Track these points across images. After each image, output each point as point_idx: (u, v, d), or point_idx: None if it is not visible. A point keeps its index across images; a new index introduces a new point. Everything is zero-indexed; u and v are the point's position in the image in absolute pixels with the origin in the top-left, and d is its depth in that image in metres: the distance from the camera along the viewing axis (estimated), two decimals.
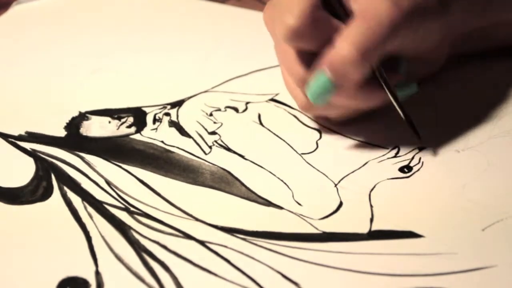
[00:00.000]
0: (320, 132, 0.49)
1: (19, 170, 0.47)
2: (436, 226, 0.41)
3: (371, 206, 0.43)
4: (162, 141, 0.49)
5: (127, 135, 0.50)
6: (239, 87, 0.54)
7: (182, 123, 0.50)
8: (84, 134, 0.50)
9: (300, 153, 0.47)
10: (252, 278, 0.39)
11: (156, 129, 0.50)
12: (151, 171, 0.46)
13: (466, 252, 0.39)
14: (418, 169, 0.45)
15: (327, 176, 0.45)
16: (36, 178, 0.46)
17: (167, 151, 0.48)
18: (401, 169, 0.45)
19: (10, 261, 0.40)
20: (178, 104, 0.52)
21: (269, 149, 0.48)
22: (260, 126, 0.50)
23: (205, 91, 0.54)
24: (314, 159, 0.46)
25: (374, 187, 0.44)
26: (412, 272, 0.38)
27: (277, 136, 0.49)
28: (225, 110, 0.51)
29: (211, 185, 0.45)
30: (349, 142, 0.48)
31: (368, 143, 0.47)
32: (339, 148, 0.47)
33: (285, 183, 0.45)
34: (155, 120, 0.51)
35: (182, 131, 0.50)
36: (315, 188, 0.44)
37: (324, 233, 0.41)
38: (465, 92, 0.50)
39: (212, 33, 0.61)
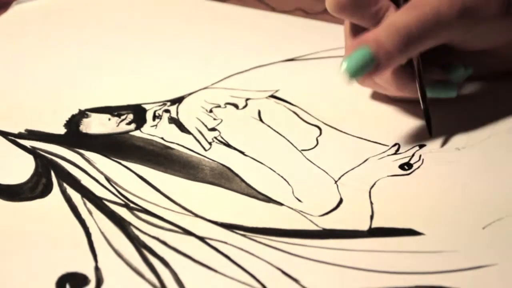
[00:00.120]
0: (320, 128, 0.49)
1: (18, 167, 0.47)
2: (436, 224, 0.41)
3: (371, 203, 0.43)
4: (162, 138, 0.49)
5: (127, 132, 0.50)
6: (239, 84, 0.54)
7: (182, 120, 0.50)
8: (84, 131, 0.50)
9: (300, 149, 0.47)
10: (251, 274, 0.39)
11: (156, 125, 0.50)
12: (151, 167, 0.46)
13: (466, 250, 0.39)
14: (418, 167, 0.45)
15: (327, 173, 0.45)
16: (36, 174, 0.46)
17: (167, 148, 0.48)
18: (401, 167, 0.45)
19: (10, 257, 0.40)
20: (178, 100, 0.52)
21: (269, 146, 0.48)
22: (260, 122, 0.50)
23: (205, 88, 0.54)
24: (314, 156, 0.46)
25: (374, 184, 0.44)
26: (412, 269, 0.38)
27: (277, 132, 0.49)
28: (225, 107, 0.51)
29: (211, 181, 0.45)
30: (349, 139, 0.48)
31: (368, 140, 0.47)
32: (339, 145, 0.47)
33: (285, 180, 0.45)
34: (154, 117, 0.51)
35: (182, 128, 0.50)
36: (315, 184, 0.44)
37: (324, 229, 0.41)
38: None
39: (212, 31, 0.61)
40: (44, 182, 0.45)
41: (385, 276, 0.38)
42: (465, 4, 0.44)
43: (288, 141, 0.48)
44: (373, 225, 0.41)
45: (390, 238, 0.40)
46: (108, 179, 0.45)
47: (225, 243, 0.40)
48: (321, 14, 0.62)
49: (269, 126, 0.49)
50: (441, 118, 0.47)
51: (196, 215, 0.42)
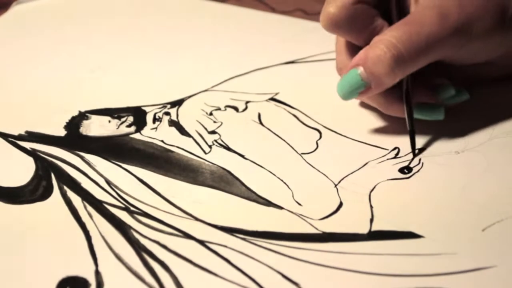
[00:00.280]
0: (320, 132, 0.49)
1: (19, 170, 0.47)
2: (436, 227, 0.41)
3: (371, 206, 0.43)
4: (162, 141, 0.49)
5: (127, 135, 0.50)
6: (239, 86, 0.54)
7: (182, 123, 0.50)
8: (84, 133, 0.50)
9: (300, 153, 0.47)
10: (252, 278, 0.39)
11: (156, 128, 0.50)
12: (151, 170, 0.46)
13: (466, 252, 0.39)
14: (418, 170, 0.45)
15: (327, 176, 0.45)
16: (36, 177, 0.46)
17: (167, 151, 0.48)
18: (401, 170, 0.45)
19: (10, 260, 0.40)
20: (178, 103, 0.52)
21: (269, 149, 0.48)
22: (260, 125, 0.50)
23: (205, 90, 0.54)
24: (314, 159, 0.46)
25: (374, 187, 0.44)
26: (411, 272, 0.38)
27: (277, 135, 0.49)
28: (225, 110, 0.51)
29: (211, 185, 0.45)
30: (349, 142, 0.48)
31: (368, 144, 0.47)
32: (339, 148, 0.47)
33: (285, 183, 0.45)
34: (155, 120, 0.51)
35: (182, 131, 0.50)
36: (315, 188, 0.44)
37: (324, 233, 0.41)
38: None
39: (212, 32, 0.61)
40: (44, 184, 0.45)
41: (385, 279, 0.38)
42: (459, 21, 0.44)
43: (288, 144, 0.48)
44: (373, 229, 0.41)
45: (390, 241, 0.40)
46: (108, 182, 0.45)
47: (225, 246, 0.40)
48: None
49: (269, 129, 0.49)
50: (439, 122, 0.47)
51: (196, 219, 0.42)
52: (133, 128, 0.50)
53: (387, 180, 0.45)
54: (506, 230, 0.40)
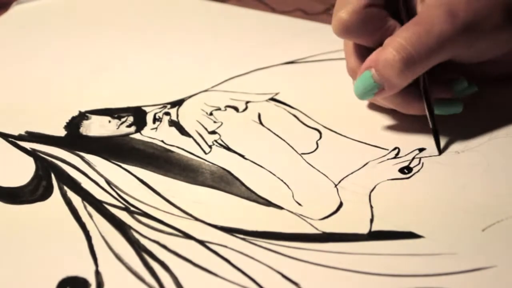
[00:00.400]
0: (320, 132, 0.49)
1: (19, 170, 0.47)
2: (436, 227, 0.41)
3: (371, 206, 0.43)
4: (162, 141, 0.49)
5: (127, 135, 0.50)
6: (239, 86, 0.54)
7: (182, 123, 0.50)
8: (84, 133, 0.50)
9: (300, 153, 0.47)
10: (252, 278, 0.39)
11: (156, 128, 0.50)
12: (151, 170, 0.46)
13: (466, 252, 0.39)
14: (418, 170, 0.45)
15: (327, 177, 0.45)
16: (36, 177, 0.46)
17: (167, 151, 0.48)
18: (401, 170, 0.45)
19: (10, 260, 0.40)
20: (178, 103, 0.52)
21: (269, 149, 0.48)
22: (260, 125, 0.50)
23: (205, 90, 0.54)
24: (314, 159, 0.46)
25: (374, 187, 0.44)
26: (412, 272, 0.38)
27: (277, 135, 0.49)
28: (225, 110, 0.51)
29: (211, 185, 0.45)
30: (349, 142, 0.48)
31: (368, 144, 0.47)
32: (339, 149, 0.47)
33: (285, 183, 0.45)
34: (155, 120, 0.51)
35: (182, 131, 0.50)
36: (315, 188, 0.44)
37: (324, 233, 0.41)
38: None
39: (212, 32, 0.61)
40: (44, 184, 0.45)
41: (385, 279, 0.38)
42: (467, 18, 0.44)
43: (288, 144, 0.48)
44: (373, 229, 0.41)
45: (390, 241, 0.40)
46: (108, 182, 0.45)
47: (225, 246, 0.40)
48: (321, 14, 0.62)
49: (269, 129, 0.49)
50: (440, 122, 0.47)
51: (196, 219, 0.42)
52: (133, 128, 0.50)
53: (387, 180, 0.45)
54: (506, 230, 0.40)
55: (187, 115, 0.51)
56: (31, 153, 0.48)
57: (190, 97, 0.53)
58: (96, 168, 0.47)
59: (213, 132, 0.49)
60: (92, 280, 0.39)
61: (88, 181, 0.46)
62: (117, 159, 0.47)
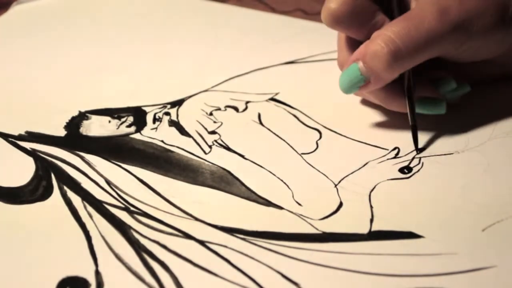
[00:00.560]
0: (320, 132, 0.49)
1: (19, 170, 0.47)
2: (436, 227, 0.41)
3: (371, 206, 0.43)
4: (162, 141, 0.49)
5: (127, 135, 0.50)
6: (239, 87, 0.54)
7: (182, 123, 0.50)
8: (84, 133, 0.50)
9: (300, 153, 0.47)
10: (252, 278, 0.39)
11: (156, 128, 0.50)
12: (151, 170, 0.46)
13: (466, 252, 0.39)
14: (418, 170, 0.45)
15: (327, 176, 0.45)
16: (36, 177, 0.46)
17: (167, 151, 0.48)
18: (401, 170, 0.45)
19: (10, 260, 0.40)
20: (178, 103, 0.52)
21: (269, 149, 0.48)
22: (260, 125, 0.50)
23: (205, 90, 0.54)
24: (314, 159, 0.46)
25: (374, 187, 0.44)
26: (412, 272, 0.38)
27: (277, 135, 0.49)
28: (225, 110, 0.51)
29: (211, 185, 0.45)
30: (349, 142, 0.48)
31: (368, 144, 0.47)
32: (339, 148, 0.47)
33: (285, 183, 0.45)
34: (155, 120, 0.51)
35: (182, 131, 0.50)
36: (315, 188, 0.44)
37: (324, 233, 0.41)
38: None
39: (212, 32, 0.61)
40: (44, 184, 0.45)
41: (385, 279, 0.38)
42: (459, 17, 0.44)
43: (288, 144, 0.48)
44: (373, 229, 0.41)
45: (390, 241, 0.40)
46: (108, 182, 0.45)
47: (225, 246, 0.40)
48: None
49: (269, 130, 0.49)
50: (440, 122, 0.47)
51: (196, 219, 0.42)
52: (133, 128, 0.50)
53: (387, 180, 0.45)
54: (506, 230, 0.40)
55: (187, 115, 0.51)
56: (31, 153, 0.48)
57: (190, 97, 0.53)
58: (96, 168, 0.47)
59: (213, 132, 0.49)
60: (92, 280, 0.39)
61: (88, 181, 0.46)
62: (117, 159, 0.47)
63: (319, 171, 0.46)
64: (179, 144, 0.48)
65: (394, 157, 0.46)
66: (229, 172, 0.46)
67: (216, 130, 0.49)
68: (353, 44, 0.47)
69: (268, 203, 0.43)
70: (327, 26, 0.46)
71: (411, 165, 0.45)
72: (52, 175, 0.46)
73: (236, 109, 0.51)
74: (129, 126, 0.50)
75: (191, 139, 0.49)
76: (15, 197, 0.45)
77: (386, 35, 0.44)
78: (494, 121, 0.48)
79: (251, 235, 0.41)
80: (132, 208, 0.43)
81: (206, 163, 0.47)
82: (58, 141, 0.49)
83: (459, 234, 0.40)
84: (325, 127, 0.49)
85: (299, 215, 0.42)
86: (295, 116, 0.50)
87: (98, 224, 0.42)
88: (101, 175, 0.46)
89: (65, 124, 0.51)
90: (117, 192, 0.45)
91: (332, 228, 0.41)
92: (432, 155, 0.46)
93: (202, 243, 0.41)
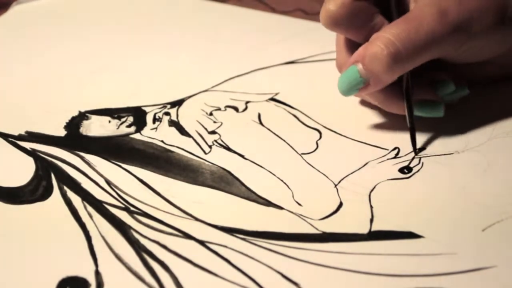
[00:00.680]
0: (320, 132, 0.49)
1: (19, 170, 0.47)
2: (436, 227, 0.41)
3: (371, 206, 0.43)
4: (162, 141, 0.49)
5: (127, 135, 0.50)
6: (239, 87, 0.54)
7: (182, 123, 0.50)
8: (84, 133, 0.50)
9: (300, 153, 0.47)
10: (252, 278, 0.39)
11: (156, 128, 0.50)
12: (151, 170, 0.46)
13: (466, 252, 0.39)
14: (418, 170, 0.45)
15: (327, 176, 0.45)
16: (36, 177, 0.46)
17: (167, 151, 0.48)
18: (401, 170, 0.45)
19: (10, 260, 0.40)
20: (178, 103, 0.52)
21: (269, 149, 0.48)
22: (260, 125, 0.50)
23: (205, 91, 0.54)
24: (314, 159, 0.46)
25: (374, 187, 0.44)
26: (412, 272, 0.38)
27: (277, 136, 0.49)
28: (225, 110, 0.51)
29: (211, 185, 0.45)
30: (349, 142, 0.48)
31: (368, 144, 0.47)
32: (339, 149, 0.47)
33: (285, 183, 0.45)
34: (155, 120, 0.51)
35: (182, 131, 0.50)
36: (315, 188, 0.44)
37: (324, 233, 0.41)
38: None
39: (212, 32, 0.61)
40: (44, 184, 0.45)
41: (385, 279, 0.38)
42: (458, 18, 0.44)
43: (288, 144, 0.48)
44: (373, 229, 0.41)
45: (390, 241, 0.40)
46: (108, 182, 0.45)
47: (225, 247, 0.40)
48: None
49: (269, 130, 0.49)
50: (440, 121, 0.47)
51: (196, 219, 0.42)
52: (133, 128, 0.50)
53: (387, 180, 0.45)
54: (506, 230, 0.40)
55: (187, 115, 0.51)
56: (31, 153, 0.48)
57: (190, 97, 0.53)
58: (96, 168, 0.47)
59: (213, 132, 0.49)
60: (92, 280, 0.39)
61: (88, 181, 0.46)
62: (117, 159, 0.47)
63: (319, 171, 0.46)
64: (179, 144, 0.48)
65: (394, 157, 0.46)
66: (229, 172, 0.46)
67: (216, 130, 0.49)
68: (352, 46, 0.47)
69: (268, 203, 0.43)
70: (325, 27, 0.46)
71: (411, 165, 0.45)
72: (52, 175, 0.46)
73: (236, 109, 0.51)
74: (129, 126, 0.50)
75: (191, 139, 0.49)
76: (15, 197, 0.45)
77: (386, 37, 0.44)
78: (494, 121, 0.48)
79: (251, 235, 0.41)
80: (132, 208, 0.43)
81: (206, 163, 0.47)
82: (58, 141, 0.49)
83: (459, 234, 0.40)
84: (325, 127, 0.49)
85: (299, 215, 0.42)
86: (295, 116, 0.50)
87: (98, 224, 0.42)
88: (101, 175, 0.46)
89: (65, 124, 0.51)
90: (117, 192, 0.45)
91: (332, 228, 0.41)
92: (432, 155, 0.46)
93: (202, 243, 0.41)
